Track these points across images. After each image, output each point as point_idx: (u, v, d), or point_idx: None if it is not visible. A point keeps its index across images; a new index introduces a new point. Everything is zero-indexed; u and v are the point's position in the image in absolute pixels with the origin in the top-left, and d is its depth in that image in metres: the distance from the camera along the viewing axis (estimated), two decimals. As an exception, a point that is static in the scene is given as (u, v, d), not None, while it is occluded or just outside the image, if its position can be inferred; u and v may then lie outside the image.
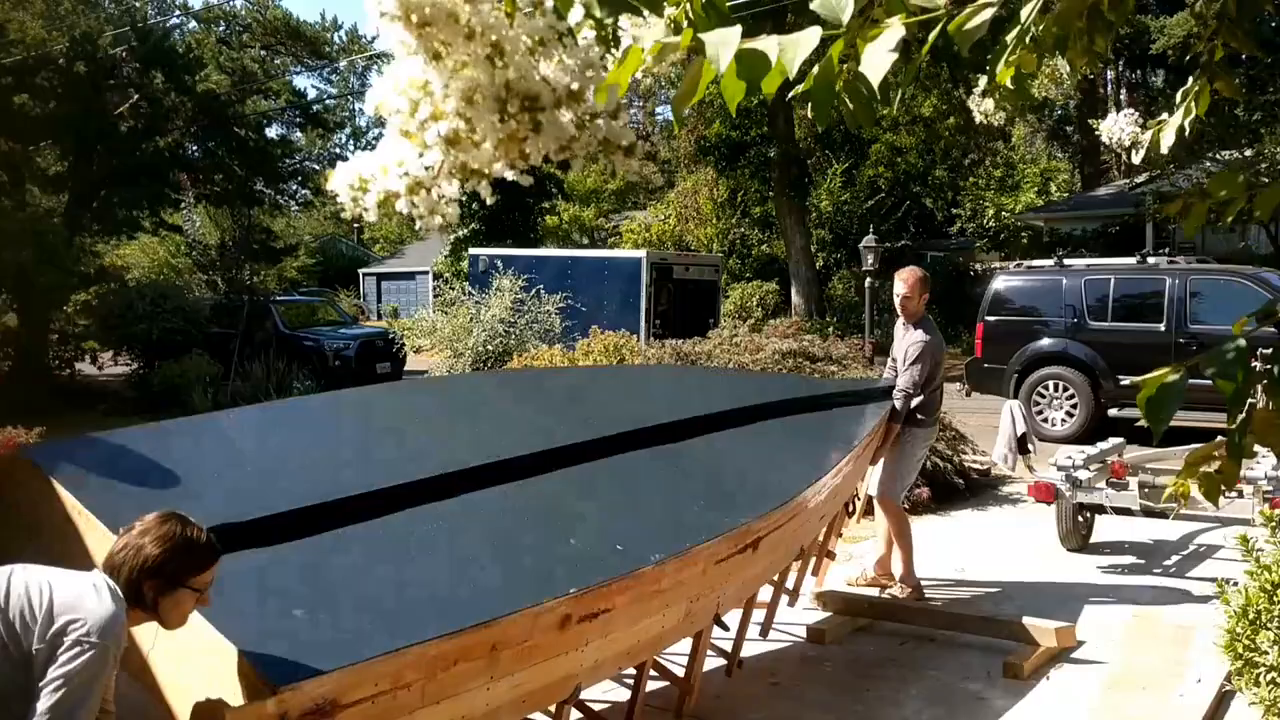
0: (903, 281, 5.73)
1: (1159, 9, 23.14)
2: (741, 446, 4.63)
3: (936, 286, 21.48)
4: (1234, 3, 2.23)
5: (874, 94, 1.21)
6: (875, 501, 5.79)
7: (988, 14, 1.32)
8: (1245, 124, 17.64)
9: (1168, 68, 25.20)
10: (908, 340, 5.70)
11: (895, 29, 1.20)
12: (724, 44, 1.12)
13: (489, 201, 1.09)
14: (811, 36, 1.16)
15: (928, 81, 22.39)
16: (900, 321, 5.86)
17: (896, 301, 5.77)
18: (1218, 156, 17.68)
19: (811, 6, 1.19)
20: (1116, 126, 3.08)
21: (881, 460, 5.72)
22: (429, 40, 0.99)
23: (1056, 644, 4.90)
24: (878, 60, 1.18)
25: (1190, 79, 2.45)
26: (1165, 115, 2.57)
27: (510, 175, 1.10)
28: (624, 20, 1.10)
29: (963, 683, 4.61)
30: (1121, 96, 30.04)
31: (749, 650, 4.75)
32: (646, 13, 1.07)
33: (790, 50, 1.15)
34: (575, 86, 1.06)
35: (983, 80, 2.32)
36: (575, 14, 1.09)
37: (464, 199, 1.08)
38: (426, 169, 0.99)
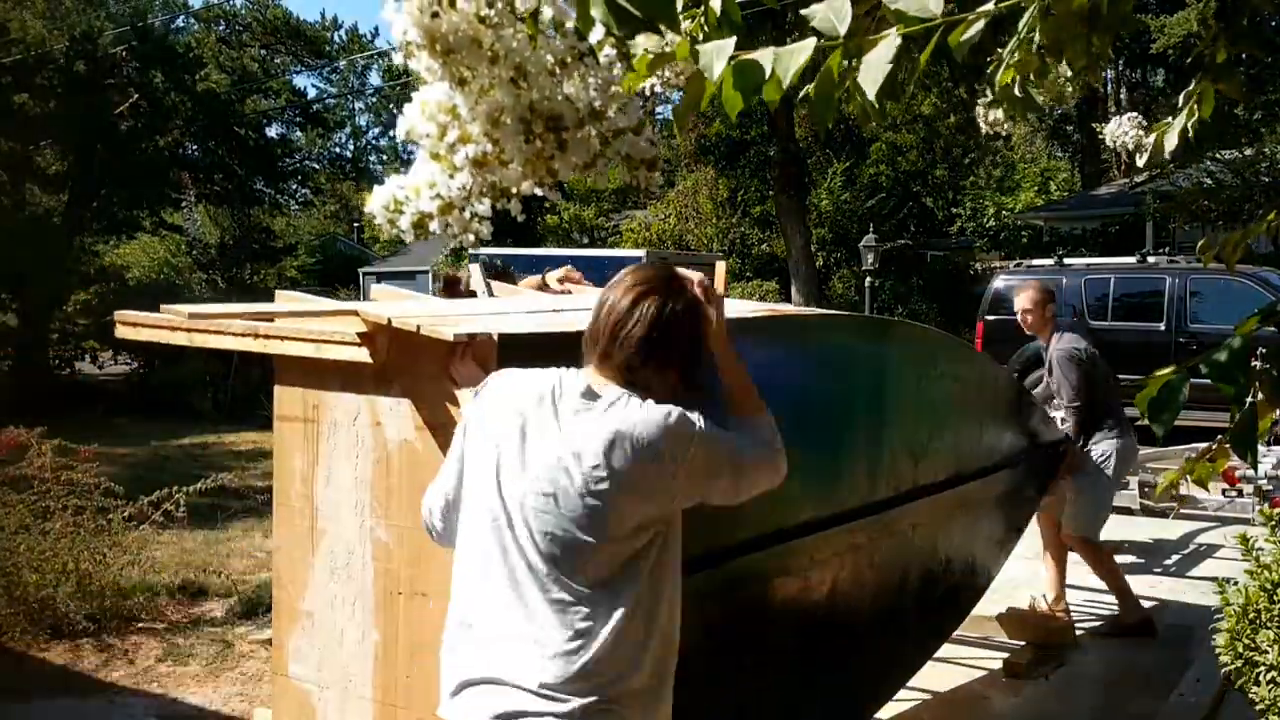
0: (1024, 296, 5.45)
1: (1159, 8, 23.12)
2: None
3: (936, 286, 21.54)
4: (1214, 6, 2.24)
5: (872, 106, 1.23)
6: (1071, 545, 5.11)
7: (983, 23, 1.34)
8: (1245, 124, 17.62)
9: (1168, 67, 25.20)
10: (1050, 354, 5.26)
11: (892, 39, 1.22)
12: (718, 55, 1.14)
13: (519, 219, 1.12)
14: (806, 47, 1.18)
15: (928, 80, 22.36)
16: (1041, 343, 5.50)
17: (1019, 317, 5.45)
18: (1218, 156, 17.65)
19: (812, 23, 1.20)
20: (1120, 130, 3.03)
21: (1068, 491, 5.07)
22: (454, 66, 1.02)
23: (1056, 643, 4.93)
24: (875, 70, 1.20)
25: (1193, 81, 2.45)
26: (1170, 119, 2.56)
27: (539, 191, 1.13)
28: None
29: (963, 682, 4.63)
30: (1121, 96, 30.04)
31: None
32: (664, 29, 1.10)
33: (785, 61, 1.17)
34: (598, 105, 1.09)
35: (989, 91, 2.33)
36: (596, 33, 1.11)
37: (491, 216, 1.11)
38: (459, 189, 1.02)
